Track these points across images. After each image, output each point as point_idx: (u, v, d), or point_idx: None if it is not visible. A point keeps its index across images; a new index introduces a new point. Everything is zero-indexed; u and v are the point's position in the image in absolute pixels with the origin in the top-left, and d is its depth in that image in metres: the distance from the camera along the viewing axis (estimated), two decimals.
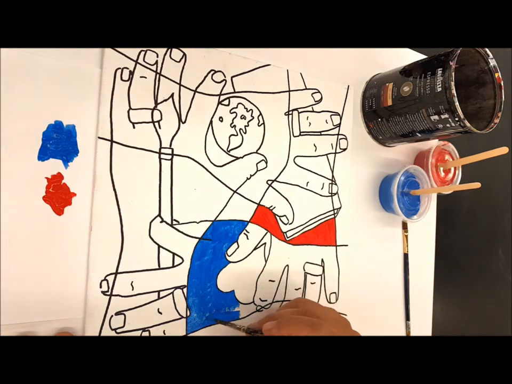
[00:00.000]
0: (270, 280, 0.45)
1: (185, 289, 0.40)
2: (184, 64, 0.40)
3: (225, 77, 0.43)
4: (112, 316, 0.36)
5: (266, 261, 0.45)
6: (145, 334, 0.38)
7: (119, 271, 0.36)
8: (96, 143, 0.36)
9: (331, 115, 0.50)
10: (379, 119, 0.50)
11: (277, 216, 0.46)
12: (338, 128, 0.51)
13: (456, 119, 0.41)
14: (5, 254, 0.32)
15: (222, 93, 0.42)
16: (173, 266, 0.39)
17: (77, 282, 0.35)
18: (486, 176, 0.58)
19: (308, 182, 0.48)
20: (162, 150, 0.39)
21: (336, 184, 0.50)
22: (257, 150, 0.44)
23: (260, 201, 0.45)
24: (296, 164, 0.47)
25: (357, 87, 0.52)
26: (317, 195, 0.49)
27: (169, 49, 0.39)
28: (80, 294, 0.35)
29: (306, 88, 0.48)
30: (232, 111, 0.43)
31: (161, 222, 0.39)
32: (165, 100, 0.39)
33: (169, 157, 0.39)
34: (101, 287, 0.35)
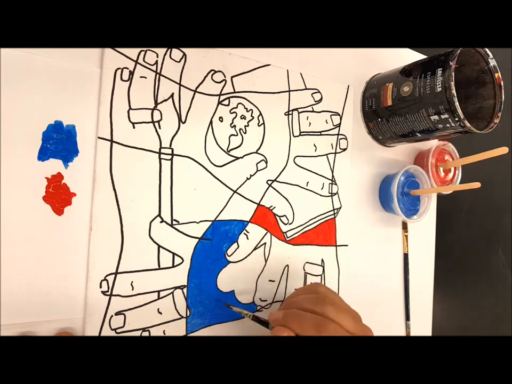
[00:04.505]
0: (270, 280, 0.45)
1: (185, 289, 0.40)
2: (184, 64, 0.40)
3: (225, 77, 0.43)
4: (112, 316, 0.36)
5: (266, 261, 0.45)
6: (145, 334, 0.38)
7: (119, 271, 0.36)
8: (96, 143, 0.36)
9: (331, 115, 0.50)
10: (379, 119, 0.50)
11: (277, 216, 0.46)
12: (338, 128, 0.51)
13: (456, 119, 0.41)
14: (5, 254, 0.32)
15: (222, 93, 0.42)
16: (173, 266, 0.39)
17: (77, 282, 0.35)
18: (486, 176, 0.58)
19: (308, 182, 0.48)
20: (162, 150, 0.39)
21: (336, 184, 0.50)
22: (257, 150, 0.44)
23: (259, 201, 0.45)
24: (296, 164, 0.47)
25: (357, 87, 0.52)
26: (317, 195, 0.49)
27: (169, 49, 0.39)
28: (80, 294, 0.35)
29: (306, 88, 0.48)
30: (232, 111, 0.43)
31: (161, 222, 0.39)
32: (165, 100, 0.39)
33: (169, 157, 0.39)
34: (101, 287, 0.35)
